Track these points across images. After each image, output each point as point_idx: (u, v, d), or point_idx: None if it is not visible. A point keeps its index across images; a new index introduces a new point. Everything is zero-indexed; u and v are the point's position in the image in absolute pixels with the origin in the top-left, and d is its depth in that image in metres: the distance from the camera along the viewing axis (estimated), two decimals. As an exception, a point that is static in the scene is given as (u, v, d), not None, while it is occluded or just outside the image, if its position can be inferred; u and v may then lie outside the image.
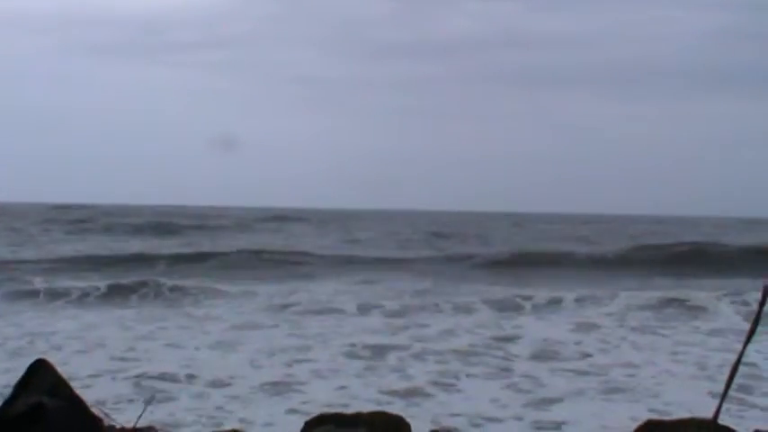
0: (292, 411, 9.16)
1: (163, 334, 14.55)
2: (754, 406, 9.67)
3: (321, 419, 6.45)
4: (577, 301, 18.79)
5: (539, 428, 8.62)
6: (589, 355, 12.87)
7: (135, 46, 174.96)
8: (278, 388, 10.31)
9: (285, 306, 17.91)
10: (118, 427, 5.89)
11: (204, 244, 35.51)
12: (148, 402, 6.47)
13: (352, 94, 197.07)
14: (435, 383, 10.70)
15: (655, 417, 8.47)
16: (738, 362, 2.98)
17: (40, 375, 5.51)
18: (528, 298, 18.99)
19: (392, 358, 12.36)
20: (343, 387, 10.47)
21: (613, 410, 9.38)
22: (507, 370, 11.74)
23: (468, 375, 11.30)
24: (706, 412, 7.95)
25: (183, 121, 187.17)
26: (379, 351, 12.81)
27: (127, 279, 21.10)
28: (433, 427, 7.22)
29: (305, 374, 11.14)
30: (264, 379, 10.76)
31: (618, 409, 9.42)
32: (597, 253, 27.90)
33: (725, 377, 10.60)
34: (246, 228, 47.53)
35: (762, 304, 2.84)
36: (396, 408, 8.10)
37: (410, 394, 9.94)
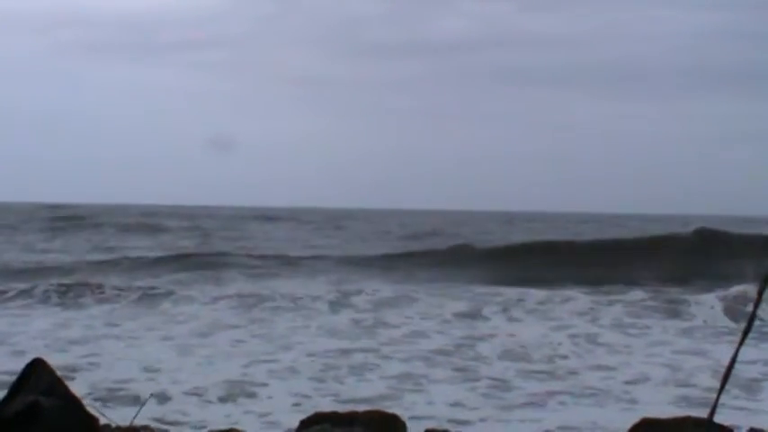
0: (248, 413, 9.13)
1: (124, 334, 14.48)
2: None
3: (317, 418, 6.47)
4: (552, 299, 18.79)
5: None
6: (562, 357, 12.84)
7: (128, 46, 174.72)
8: (234, 390, 10.24)
9: (254, 305, 17.75)
10: (113, 425, 5.89)
11: (182, 244, 35.12)
12: (144, 401, 6.47)
13: (348, 94, 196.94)
14: (398, 386, 10.64)
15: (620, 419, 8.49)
16: (734, 360, 2.98)
17: (37, 375, 5.52)
18: (500, 296, 19.04)
19: (358, 359, 12.28)
20: (301, 390, 10.35)
21: (582, 414, 9.35)
22: (475, 371, 11.66)
23: (433, 378, 11.22)
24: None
25: (178, 121, 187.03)
26: (345, 352, 12.75)
27: (94, 279, 20.85)
28: (429, 427, 7.22)
29: (263, 376, 11.06)
30: (221, 380, 10.70)
31: (587, 413, 9.38)
32: (577, 248, 27.58)
33: (698, 380, 10.52)
34: (232, 227, 47.22)
35: (757, 303, 2.86)
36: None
37: (373, 398, 9.84)
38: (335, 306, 17.64)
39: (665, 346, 13.78)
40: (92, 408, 5.85)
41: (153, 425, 7.23)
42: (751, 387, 10.47)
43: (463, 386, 10.74)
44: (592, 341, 14.12)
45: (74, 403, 5.54)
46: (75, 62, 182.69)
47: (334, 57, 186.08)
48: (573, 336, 14.50)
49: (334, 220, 59.01)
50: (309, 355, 12.57)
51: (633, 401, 9.91)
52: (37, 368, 5.56)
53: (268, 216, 59.91)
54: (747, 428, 6.47)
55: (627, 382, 10.92)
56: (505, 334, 14.79)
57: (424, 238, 40.03)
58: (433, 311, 17.16)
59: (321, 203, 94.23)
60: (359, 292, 19.08)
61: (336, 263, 26.07)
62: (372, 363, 12.05)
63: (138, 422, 6.18)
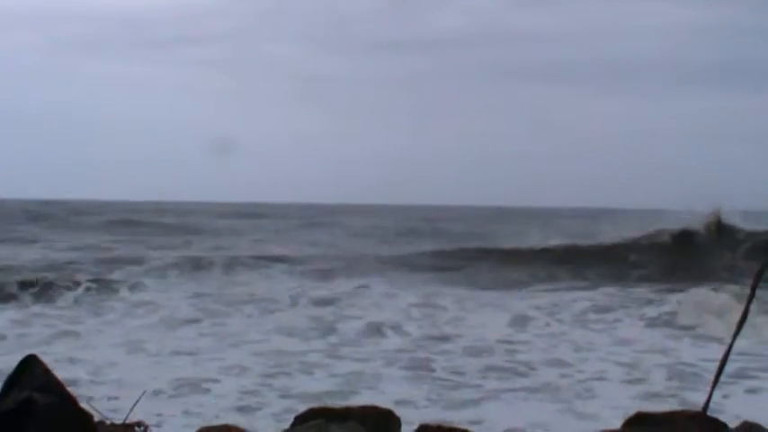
0: (187, 413, 9.12)
1: (75, 331, 14.33)
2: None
3: (311, 413, 6.47)
4: (520, 296, 18.83)
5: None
6: (522, 352, 12.84)
7: (122, 42, 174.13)
8: (182, 387, 10.21)
9: (213, 301, 17.55)
10: (108, 422, 5.89)
11: (160, 241, 34.68)
12: (139, 398, 6.47)
13: (343, 91, 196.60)
14: (352, 384, 10.61)
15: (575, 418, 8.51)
16: (728, 353, 2.99)
17: (31, 371, 5.51)
18: (467, 292, 19.04)
19: (312, 357, 12.26)
20: (249, 387, 10.31)
21: (535, 411, 9.34)
22: (431, 369, 11.63)
23: (388, 376, 11.20)
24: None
25: (173, 117, 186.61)
26: (299, 351, 12.71)
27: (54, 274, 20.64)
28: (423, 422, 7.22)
29: (213, 373, 11.04)
30: (170, 377, 10.67)
31: (541, 410, 9.38)
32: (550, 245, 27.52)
33: (661, 377, 10.59)
34: (214, 224, 46.61)
35: (750, 298, 2.86)
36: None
37: (324, 396, 9.80)
38: (293, 304, 17.56)
39: (626, 344, 13.81)
40: (86, 405, 5.84)
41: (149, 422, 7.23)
42: (743, 380, 10.51)
43: (417, 382, 10.73)
44: (555, 337, 14.16)
45: (68, 400, 5.54)
46: (71, 58, 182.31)
47: (329, 53, 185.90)
48: (537, 334, 14.51)
49: (328, 215, 58.85)
50: (258, 353, 12.47)
51: (590, 398, 9.94)
52: (30, 364, 5.55)
53: (258, 213, 59.68)
54: (740, 422, 6.48)
55: (584, 380, 10.95)
56: (469, 327, 14.77)
57: (404, 235, 39.58)
58: (389, 303, 17.16)
59: (317, 200, 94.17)
60: (325, 288, 19.02)
61: (319, 260, 25.76)
62: (325, 360, 11.98)
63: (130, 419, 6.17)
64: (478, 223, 51.31)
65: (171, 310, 16.57)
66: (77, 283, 19.21)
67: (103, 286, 19.23)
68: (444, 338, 13.92)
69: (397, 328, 14.72)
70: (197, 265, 23.59)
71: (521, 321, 15.50)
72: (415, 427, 6.53)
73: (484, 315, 16.47)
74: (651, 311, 16.78)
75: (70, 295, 18.46)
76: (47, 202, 67.70)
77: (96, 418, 5.78)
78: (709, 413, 3.04)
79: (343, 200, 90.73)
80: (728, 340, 2.92)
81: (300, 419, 6.38)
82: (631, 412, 8.87)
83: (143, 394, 6.57)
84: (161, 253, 26.95)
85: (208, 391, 10.08)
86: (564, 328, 15.04)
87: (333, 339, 13.96)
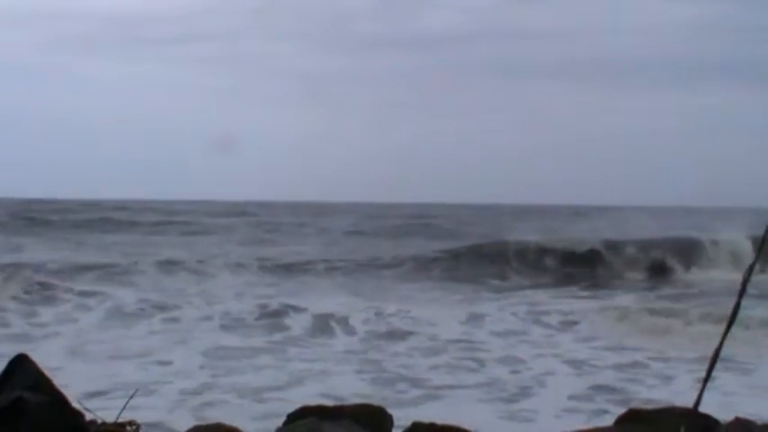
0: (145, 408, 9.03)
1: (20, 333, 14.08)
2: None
3: (304, 412, 6.46)
4: (478, 295, 18.83)
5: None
6: (476, 350, 12.83)
7: (114, 40, 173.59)
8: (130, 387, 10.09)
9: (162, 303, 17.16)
10: (100, 421, 5.87)
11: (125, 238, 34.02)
12: (131, 396, 6.45)
13: (337, 88, 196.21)
14: (298, 378, 10.61)
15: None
16: (719, 349, 2.99)
17: (21, 370, 5.49)
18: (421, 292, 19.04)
19: (265, 359, 12.21)
20: (198, 387, 10.23)
21: (479, 409, 9.32)
22: (383, 365, 11.61)
23: (337, 373, 11.19)
24: (575, 419, 7.93)
25: (168, 115, 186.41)
26: (241, 351, 12.64)
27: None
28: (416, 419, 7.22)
29: (156, 373, 10.94)
30: (117, 377, 10.56)
31: (483, 408, 9.36)
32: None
33: (612, 376, 10.53)
34: (194, 221, 45.84)
35: (741, 294, 2.87)
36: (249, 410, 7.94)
37: (265, 389, 9.72)
38: (238, 301, 17.40)
39: (574, 343, 13.83)
40: (77, 403, 5.83)
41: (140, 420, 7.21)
42: (738, 376, 10.55)
43: (368, 379, 10.71)
44: (507, 336, 14.13)
45: (59, 399, 5.52)
46: (62, 57, 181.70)
47: (325, 51, 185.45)
48: (492, 332, 14.47)
49: (314, 215, 58.54)
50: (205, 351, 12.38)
51: (532, 395, 9.97)
52: (21, 364, 5.53)
53: (249, 212, 59.40)
54: (733, 417, 6.50)
55: (532, 377, 10.98)
56: (426, 325, 14.68)
57: (376, 235, 39.16)
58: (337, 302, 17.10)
59: (310, 198, 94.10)
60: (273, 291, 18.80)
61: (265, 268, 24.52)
62: (275, 356, 11.92)
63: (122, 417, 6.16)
64: (466, 221, 51.22)
65: (116, 311, 16.11)
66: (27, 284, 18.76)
67: (48, 287, 18.53)
68: (395, 336, 13.80)
69: (344, 325, 14.57)
70: (127, 270, 22.59)
71: (475, 319, 15.32)
72: (408, 425, 6.53)
73: (434, 311, 16.29)
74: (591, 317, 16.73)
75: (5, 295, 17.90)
76: (34, 201, 67.20)
77: (88, 417, 5.76)
78: (700, 409, 3.05)
79: (341, 198, 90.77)
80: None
81: (293, 417, 6.38)
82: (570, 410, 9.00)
83: (134, 393, 6.54)
84: (120, 253, 26.21)
85: (155, 391, 9.90)
86: (518, 326, 14.94)
87: (278, 336, 13.86)
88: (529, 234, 27.56)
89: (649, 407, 6.71)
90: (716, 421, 6.18)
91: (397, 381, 10.75)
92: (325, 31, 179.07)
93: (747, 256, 21.55)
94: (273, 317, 15.55)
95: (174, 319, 15.52)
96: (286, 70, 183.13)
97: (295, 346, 13.32)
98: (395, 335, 14.11)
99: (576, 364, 11.99)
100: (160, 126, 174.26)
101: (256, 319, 15.50)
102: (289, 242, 32.86)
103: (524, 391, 10.22)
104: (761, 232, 3.00)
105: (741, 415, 6.74)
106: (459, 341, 13.57)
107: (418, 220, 49.38)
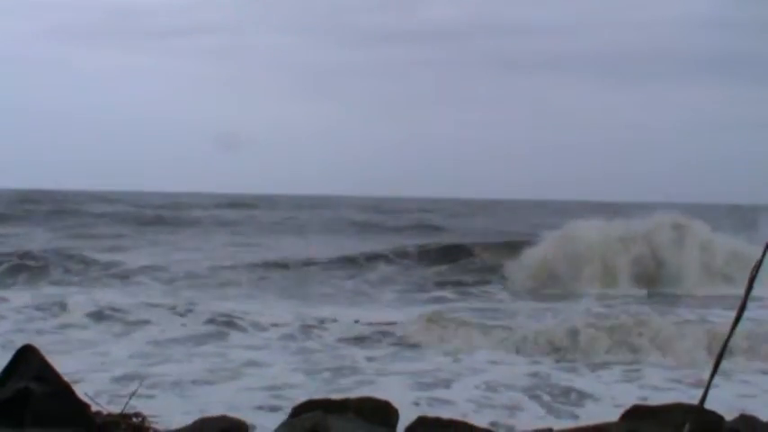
0: None
1: None
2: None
3: (309, 405, 6.47)
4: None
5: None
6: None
7: (115, 31, 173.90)
8: None
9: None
10: (105, 412, 5.88)
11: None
12: (135, 389, 6.47)
13: (338, 81, 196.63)
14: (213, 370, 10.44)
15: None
16: (725, 347, 2.99)
17: (27, 361, 5.51)
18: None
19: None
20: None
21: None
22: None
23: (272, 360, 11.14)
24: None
25: (165, 107, 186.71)
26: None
27: None
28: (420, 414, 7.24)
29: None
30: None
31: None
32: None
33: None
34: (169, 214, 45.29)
35: (747, 291, 2.86)
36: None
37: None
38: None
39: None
40: (83, 395, 5.84)
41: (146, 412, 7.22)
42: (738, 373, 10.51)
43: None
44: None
45: (65, 390, 5.54)
46: (62, 47, 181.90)
47: (322, 43, 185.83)
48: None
49: (295, 208, 58.13)
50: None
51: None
52: (27, 354, 5.55)
53: (239, 204, 59.19)
54: (738, 414, 6.49)
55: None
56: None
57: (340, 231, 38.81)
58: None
59: (307, 191, 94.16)
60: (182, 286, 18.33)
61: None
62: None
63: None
64: (447, 215, 51.04)
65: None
66: None
67: None
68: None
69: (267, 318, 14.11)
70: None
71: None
72: (413, 419, 6.54)
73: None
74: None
75: None
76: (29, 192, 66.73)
77: (93, 408, 5.78)
78: (706, 406, 3.04)
79: (337, 191, 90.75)
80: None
81: (298, 410, 6.39)
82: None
83: (139, 386, 6.56)
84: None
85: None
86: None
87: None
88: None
89: (655, 403, 6.70)
90: (721, 417, 6.18)
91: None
92: (326, 24, 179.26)
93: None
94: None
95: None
96: (287, 63, 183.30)
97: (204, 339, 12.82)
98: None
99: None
100: (160, 117, 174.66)
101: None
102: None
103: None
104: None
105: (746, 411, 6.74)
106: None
107: (398, 215, 49.22)
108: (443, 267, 22.23)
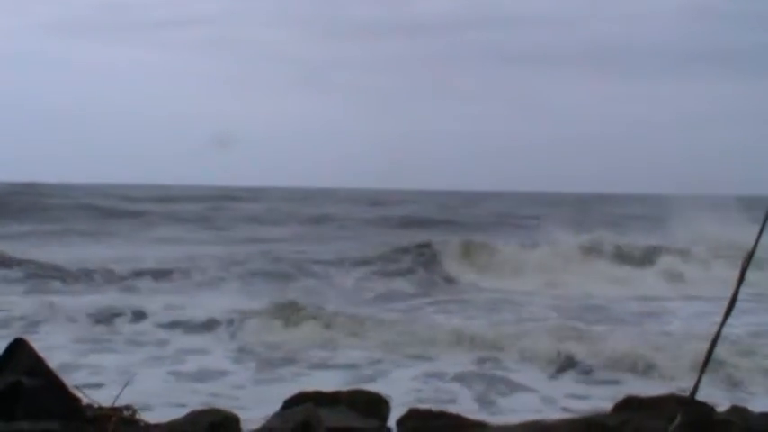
0: None
1: None
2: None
3: (301, 397, 6.47)
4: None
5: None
6: None
7: (103, 24, 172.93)
8: None
9: None
10: (96, 405, 5.87)
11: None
12: (127, 382, 6.45)
13: (331, 73, 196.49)
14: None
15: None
16: (716, 339, 2.99)
17: (19, 355, 5.49)
18: None
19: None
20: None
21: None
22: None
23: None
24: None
25: (154, 100, 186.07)
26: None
27: None
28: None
29: None
30: None
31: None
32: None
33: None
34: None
35: (739, 282, 2.85)
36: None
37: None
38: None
39: None
40: (74, 388, 5.83)
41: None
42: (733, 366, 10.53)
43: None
44: None
45: (56, 383, 5.53)
46: (51, 41, 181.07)
47: (314, 35, 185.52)
48: None
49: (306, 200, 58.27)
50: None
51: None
52: (18, 348, 5.53)
53: (235, 197, 59.12)
54: (729, 406, 6.51)
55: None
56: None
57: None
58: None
59: (298, 183, 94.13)
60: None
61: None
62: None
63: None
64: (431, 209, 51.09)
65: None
66: None
67: None
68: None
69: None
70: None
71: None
72: (404, 410, 6.54)
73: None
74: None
75: None
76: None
77: (84, 401, 5.77)
78: (697, 397, 3.04)
79: (335, 184, 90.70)
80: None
81: (289, 403, 6.38)
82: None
83: (130, 379, 6.55)
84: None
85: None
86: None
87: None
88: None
89: (646, 395, 6.72)
90: (712, 409, 6.19)
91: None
92: (321, 16, 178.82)
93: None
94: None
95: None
96: (280, 55, 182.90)
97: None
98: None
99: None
100: (152, 110, 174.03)
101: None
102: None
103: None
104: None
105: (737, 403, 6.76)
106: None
107: (381, 208, 49.28)
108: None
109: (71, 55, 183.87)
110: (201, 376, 9.95)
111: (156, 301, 14.58)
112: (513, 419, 6.98)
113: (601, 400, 8.57)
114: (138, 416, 5.86)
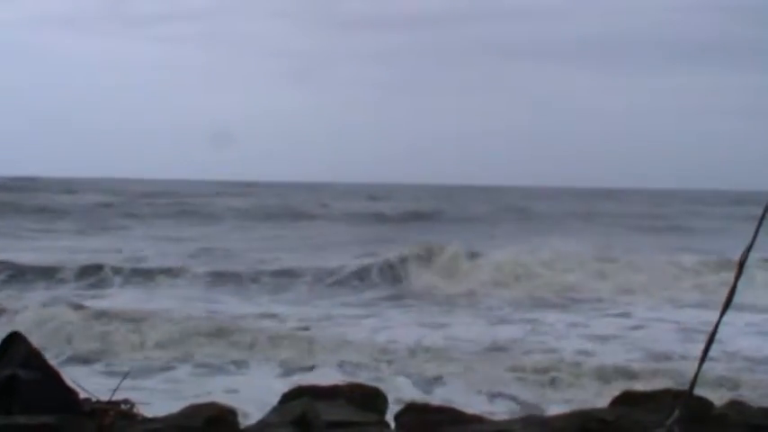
0: None
1: None
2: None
3: (298, 391, 6.46)
4: None
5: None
6: None
7: (98, 17, 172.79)
8: None
9: None
10: (94, 399, 5.85)
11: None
12: (124, 376, 6.45)
13: (324, 67, 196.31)
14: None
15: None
16: (714, 334, 2.98)
17: (14, 348, 5.47)
18: None
19: None
20: None
21: None
22: None
23: None
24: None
25: (149, 94, 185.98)
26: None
27: None
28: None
29: None
30: None
31: None
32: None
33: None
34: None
35: (737, 276, 2.85)
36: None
37: None
38: None
39: None
40: (71, 381, 5.81)
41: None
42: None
43: None
44: None
45: (53, 377, 5.51)
46: (45, 34, 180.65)
47: (310, 29, 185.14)
48: None
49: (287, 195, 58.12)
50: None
51: None
52: (14, 341, 5.51)
53: (231, 192, 59.06)
54: (727, 400, 6.50)
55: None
56: None
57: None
58: None
59: (295, 178, 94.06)
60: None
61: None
62: None
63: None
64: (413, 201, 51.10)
65: None
66: None
67: None
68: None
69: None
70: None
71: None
72: (402, 405, 6.54)
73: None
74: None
75: None
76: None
77: (82, 395, 5.75)
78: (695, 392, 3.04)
79: (327, 178, 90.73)
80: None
81: (287, 397, 6.37)
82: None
83: (127, 373, 6.54)
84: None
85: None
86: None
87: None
88: None
89: (644, 389, 6.71)
90: (711, 403, 6.18)
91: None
92: (314, 8, 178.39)
93: None
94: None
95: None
96: (272, 49, 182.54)
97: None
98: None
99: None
100: (143, 104, 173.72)
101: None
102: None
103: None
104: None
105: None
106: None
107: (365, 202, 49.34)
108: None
109: (63, 48, 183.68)
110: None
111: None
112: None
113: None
114: (135, 409, 5.85)
